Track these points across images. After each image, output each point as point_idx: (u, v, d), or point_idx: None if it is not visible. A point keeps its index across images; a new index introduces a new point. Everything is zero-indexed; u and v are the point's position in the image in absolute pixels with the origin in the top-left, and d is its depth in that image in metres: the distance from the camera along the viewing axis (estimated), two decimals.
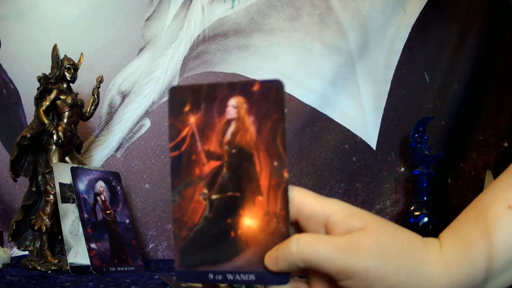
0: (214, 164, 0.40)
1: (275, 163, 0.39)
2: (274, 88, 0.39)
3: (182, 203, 0.41)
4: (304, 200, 0.39)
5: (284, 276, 0.39)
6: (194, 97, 0.40)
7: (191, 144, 0.40)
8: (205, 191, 0.40)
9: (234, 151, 0.40)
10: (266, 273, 0.39)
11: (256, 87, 0.39)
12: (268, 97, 0.39)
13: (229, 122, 0.40)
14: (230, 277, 0.40)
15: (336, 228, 0.37)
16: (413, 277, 0.37)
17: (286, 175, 0.39)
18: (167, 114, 0.40)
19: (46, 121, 1.01)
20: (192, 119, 0.40)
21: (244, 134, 0.40)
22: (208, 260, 0.40)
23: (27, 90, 1.24)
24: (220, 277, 0.41)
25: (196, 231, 0.41)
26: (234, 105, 0.40)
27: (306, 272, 0.40)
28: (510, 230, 0.39)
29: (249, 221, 0.39)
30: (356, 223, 0.37)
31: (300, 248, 0.36)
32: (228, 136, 0.40)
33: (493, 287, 0.40)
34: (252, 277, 0.40)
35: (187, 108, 0.40)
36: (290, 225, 0.39)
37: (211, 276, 0.40)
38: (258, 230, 0.39)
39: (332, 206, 0.38)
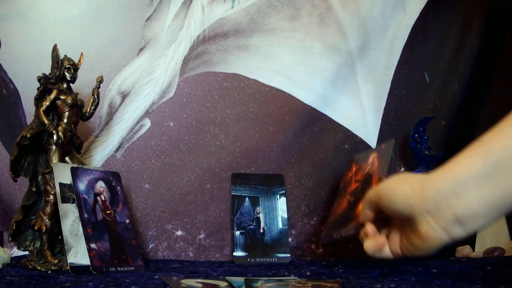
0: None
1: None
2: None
3: (337, 205, 1.00)
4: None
5: None
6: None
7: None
8: (350, 199, 0.95)
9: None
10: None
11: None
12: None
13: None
14: (343, 233, 0.88)
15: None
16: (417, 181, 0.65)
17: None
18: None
19: (46, 121, 1.01)
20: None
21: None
22: (336, 229, 0.93)
23: (27, 90, 1.24)
24: (337, 235, 0.90)
25: (337, 216, 0.96)
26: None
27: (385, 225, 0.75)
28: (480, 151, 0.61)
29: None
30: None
31: (375, 188, 0.71)
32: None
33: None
34: (352, 231, 0.86)
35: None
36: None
37: (334, 235, 0.92)
38: None
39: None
